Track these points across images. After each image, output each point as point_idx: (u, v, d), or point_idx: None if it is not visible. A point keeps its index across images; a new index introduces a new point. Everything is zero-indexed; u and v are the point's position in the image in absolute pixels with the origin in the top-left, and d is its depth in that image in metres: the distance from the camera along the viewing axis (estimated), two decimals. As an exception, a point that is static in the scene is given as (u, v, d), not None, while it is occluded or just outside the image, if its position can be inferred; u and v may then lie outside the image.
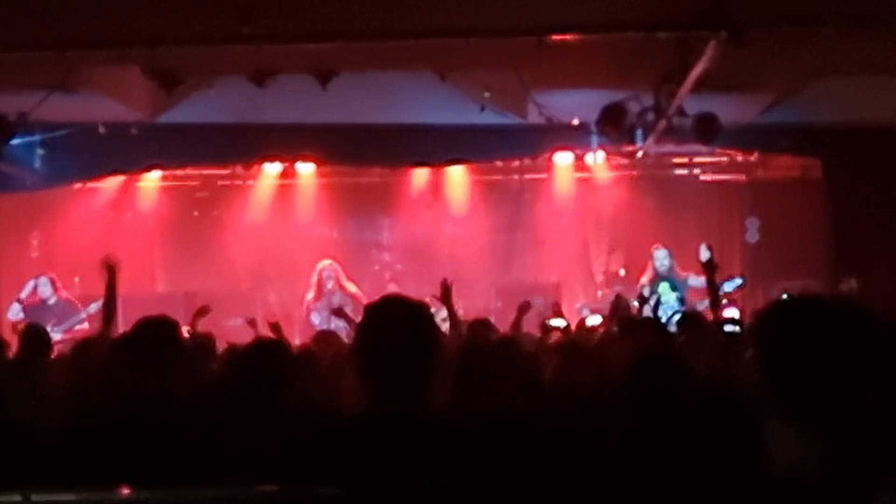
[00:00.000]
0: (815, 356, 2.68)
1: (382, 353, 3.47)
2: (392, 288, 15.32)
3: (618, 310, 9.74)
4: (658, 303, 11.28)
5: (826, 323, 2.74)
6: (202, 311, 9.52)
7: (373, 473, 3.30)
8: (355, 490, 3.29)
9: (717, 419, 3.91)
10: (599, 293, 15.94)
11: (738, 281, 11.94)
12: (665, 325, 8.71)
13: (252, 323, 10.49)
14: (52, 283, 14.05)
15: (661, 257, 12.92)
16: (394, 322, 3.53)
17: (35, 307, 13.85)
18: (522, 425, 4.50)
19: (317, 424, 4.07)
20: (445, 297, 8.70)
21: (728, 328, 8.33)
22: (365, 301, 13.37)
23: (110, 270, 8.02)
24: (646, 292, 12.36)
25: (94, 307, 13.50)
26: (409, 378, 3.45)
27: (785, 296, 11.74)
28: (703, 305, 11.10)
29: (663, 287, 12.61)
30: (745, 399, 4.08)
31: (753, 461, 3.08)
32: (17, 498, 3.79)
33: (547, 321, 10.21)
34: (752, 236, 16.77)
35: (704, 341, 7.40)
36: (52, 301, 13.98)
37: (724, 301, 9.40)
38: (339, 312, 11.00)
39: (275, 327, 9.55)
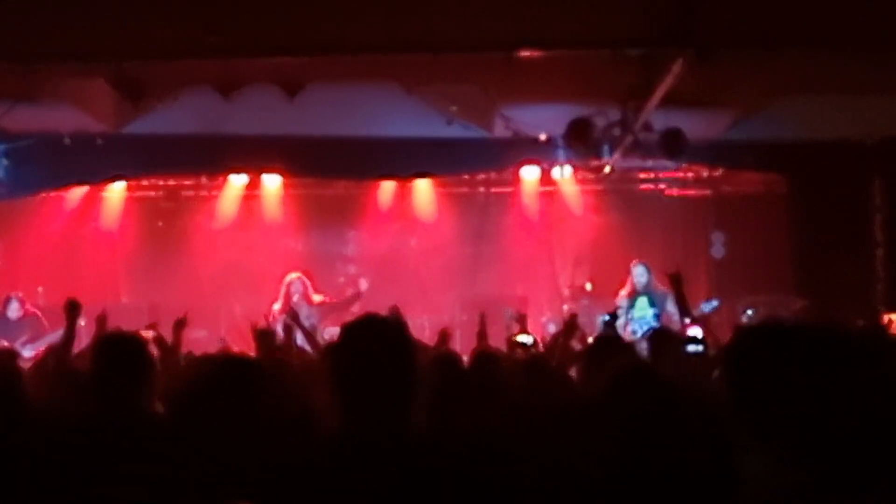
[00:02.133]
0: (788, 385, 2.70)
1: (360, 373, 3.44)
2: (362, 285, 15.17)
3: (572, 330, 9.71)
4: (615, 322, 11.39)
5: (797, 351, 2.76)
6: (182, 324, 9.40)
7: (350, 494, 3.27)
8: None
9: (694, 439, 3.91)
10: (565, 307, 15.93)
11: (715, 303, 11.99)
12: (635, 345, 8.72)
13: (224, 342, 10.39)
14: (21, 302, 13.81)
15: (639, 273, 12.94)
16: (372, 342, 3.50)
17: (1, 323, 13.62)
18: (500, 445, 4.48)
19: (290, 443, 4.04)
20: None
21: (691, 347, 8.35)
22: (333, 304, 13.38)
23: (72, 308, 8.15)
24: (620, 309, 12.41)
25: None
26: (387, 398, 3.42)
27: (750, 312, 11.87)
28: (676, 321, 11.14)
29: (641, 302, 12.64)
30: (716, 419, 4.09)
31: (729, 485, 3.09)
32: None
33: (513, 337, 10.15)
34: (718, 251, 16.86)
35: (673, 358, 7.42)
36: (18, 318, 13.70)
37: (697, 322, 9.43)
38: (292, 322, 10.91)
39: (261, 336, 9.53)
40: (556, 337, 9.97)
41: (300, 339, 10.90)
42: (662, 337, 8.47)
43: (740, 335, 2.96)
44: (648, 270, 12.94)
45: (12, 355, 9.00)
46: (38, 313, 13.75)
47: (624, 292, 13.00)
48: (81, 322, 13.20)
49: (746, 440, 2.77)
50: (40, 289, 15.63)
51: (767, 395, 2.72)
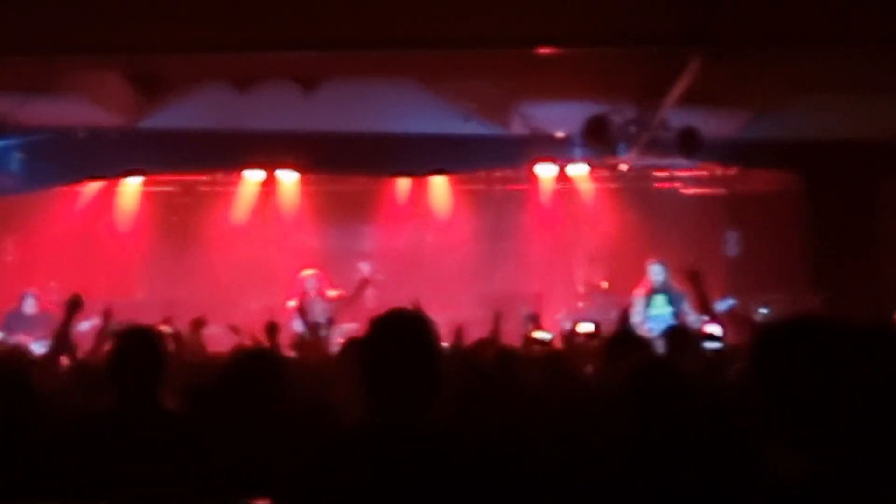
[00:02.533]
0: (814, 379, 2.71)
1: (387, 366, 3.45)
2: (364, 269, 15.09)
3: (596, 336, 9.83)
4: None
5: (825, 346, 2.77)
6: (200, 324, 9.44)
7: (375, 486, 3.27)
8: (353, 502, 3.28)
9: (712, 434, 3.92)
10: (580, 304, 15.95)
11: (731, 301, 11.99)
12: (651, 342, 8.72)
13: (235, 329, 10.43)
14: (37, 298, 13.83)
15: (656, 271, 12.92)
16: (399, 335, 3.51)
17: (15, 316, 13.61)
18: (520, 440, 4.49)
19: (314, 435, 4.03)
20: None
21: (709, 344, 8.35)
22: (347, 298, 13.41)
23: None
24: (636, 306, 12.44)
25: (86, 325, 13.37)
26: (413, 391, 3.43)
27: (764, 310, 11.90)
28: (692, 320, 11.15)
29: (658, 300, 12.64)
30: (734, 414, 4.10)
31: (750, 477, 3.10)
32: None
33: (530, 334, 10.16)
34: (732, 249, 16.83)
35: (690, 355, 7.42)
36: (34, 314, 13.68)
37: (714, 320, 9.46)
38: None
39: (270, 328, 9.54)
40: (572, 333, 10.00)
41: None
42: (680, 334, 8.48)
43: (767, 330, 2.97)
44: (665, 269, 12.93)
45: (23, 352, 9.03)
46: (54, 309, 13.76)
47: (641, 290, 13.00)
48: (96, 321, 13.31)
49: (770, 434, 2.78)
50: (53, 284, 15.65)
51: (794, 389, 2.74)
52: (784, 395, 2.76)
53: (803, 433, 2.71)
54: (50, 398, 5.84)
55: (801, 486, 2.66)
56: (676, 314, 12.33)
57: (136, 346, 4.78)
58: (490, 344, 8.97)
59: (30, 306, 13.66)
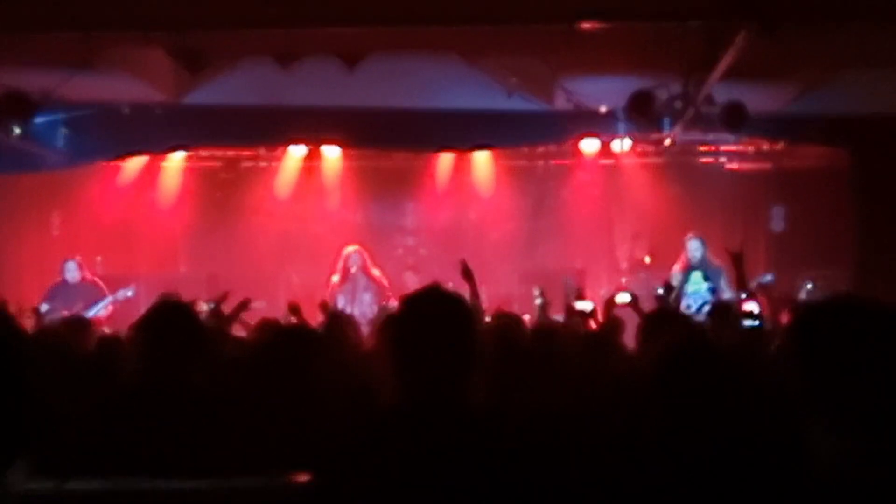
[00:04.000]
0: (858, 361, 2.69)
1: (422, 346, 3.41)
2: (408, 276, 15.17)
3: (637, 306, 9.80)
4: (680, 295, 11.42)
5: (868, 328, 2.75)
6: (244, 306, 9.45)
7: (409, 466, 3.26)
8: (391, 482, 3.27)
9: (753, 414, 3.88)
10: (623, 280, 15.92)
11: (768, 277, 11.88)
12: (692, 318, 8.68)
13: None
14: (79, 266, 13.93)
15: (694, 247, 12.81)
16: (434, 314, 3.47)
17: (59, 288, 13.73)
18: (559, 418, 4.46)
19: (351, 414, 4.03)
20: (467, 276, 8.76)
21: (747, 322, 8.31)
22: (387, 287, 13.45)
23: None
24: (674, 282, 12.33)
25: (123, 294, 13.47)
26: (448, 371, 3.39)
27: (810, 286, 11.79)
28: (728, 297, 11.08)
29: (695, 276, 12.56)
30: (774, 394, 4.05)
31: (792, 459, 3.07)
32: (50, 485, 3.80)
33: (572, 304, 10.12)
34: (778, 225, 16.72)
35: (730, 331, 7.40)
36: (76, 283, 13.81)
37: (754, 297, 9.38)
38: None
39: (294, 310, 9.58)
40: (610, 304, 9.96)
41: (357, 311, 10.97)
42: (722, 310, 8.45)
43: (809, 310, 2.95)
44: (704, 244, 12.83)
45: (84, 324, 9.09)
46: (98, 280, 13.89)
47: (678, 266, 12.92)
48: (129, 293, 13.38)
49: (812, 416, 2.76)
50: (99, 258, 15.77)
51: (836, 372, 2.72)
52: (826, 377, 2.74)
53: (846, 416, 2.68)
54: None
55: (844, 469, 2.65)
56: (715, 290, 12.26)
57: (167, 319, 4.80)
58: (514, 317, 8.93)
59: (72, 272, 13.75)
